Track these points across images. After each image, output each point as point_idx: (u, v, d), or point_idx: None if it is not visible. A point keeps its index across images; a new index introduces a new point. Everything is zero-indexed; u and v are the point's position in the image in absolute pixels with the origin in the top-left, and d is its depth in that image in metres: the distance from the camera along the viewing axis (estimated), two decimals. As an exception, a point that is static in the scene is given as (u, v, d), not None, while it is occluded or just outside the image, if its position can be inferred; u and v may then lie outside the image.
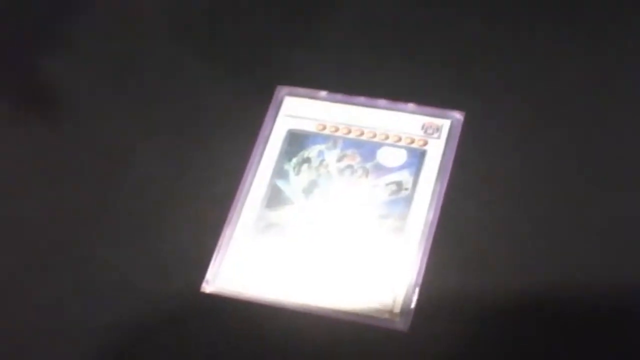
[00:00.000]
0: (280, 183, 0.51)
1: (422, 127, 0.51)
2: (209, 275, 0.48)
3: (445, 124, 0.51)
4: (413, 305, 0.45)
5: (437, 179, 0.49)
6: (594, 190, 0.48)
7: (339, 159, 0.51)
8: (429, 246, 0.47)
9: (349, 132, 0.52)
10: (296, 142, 0.52)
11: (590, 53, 0.53)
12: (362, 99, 0.53)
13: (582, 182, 0.49)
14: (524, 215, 0.48)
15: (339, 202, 0.49)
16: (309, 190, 0.50)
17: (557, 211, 0.48)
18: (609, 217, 0.47)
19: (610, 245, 0.46)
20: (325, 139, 0.52)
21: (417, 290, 0.46)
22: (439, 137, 0.51)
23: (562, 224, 0.47)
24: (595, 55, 0.53)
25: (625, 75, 0.52)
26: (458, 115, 0.51)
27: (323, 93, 0.54)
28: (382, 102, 0.52)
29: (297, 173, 0.51)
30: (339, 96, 0.53)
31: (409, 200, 0.49)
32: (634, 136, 0.50)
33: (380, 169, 0.50)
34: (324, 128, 0.52)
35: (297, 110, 0.53)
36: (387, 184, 0.50)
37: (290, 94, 0.54)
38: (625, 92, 0.52)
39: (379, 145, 0.51)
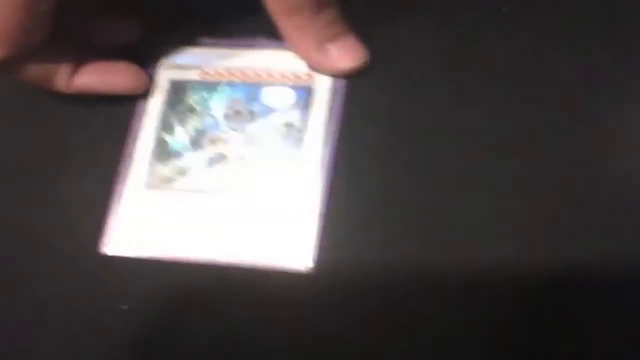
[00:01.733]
0: (166, 136, 0.49)
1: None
2: (105, 236, 0.47)
3: (330, 58, 0.50)
4: (313, 246, 0.45)
5: (328, 116, 0.49)
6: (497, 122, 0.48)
7: (224, 105, 0.50)
8: (325, 186, 0.47)
9: (232, 75, 0.50)
10: (179, 92, 0.50)
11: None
12: (243, 40, 0.51)
13: (478, 115, 0.49)
14: (422, 151, 0.48)
15: (227, 149, 0.48)
16: (196, 140, 0.49)
17: (453, 148, 0.48)
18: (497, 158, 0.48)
19: (504, 191, 0.47)
20: (208, 85, 0.50)
21: (316, 231, 0.46)
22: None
23: (460, 158, 0.47)
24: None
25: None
26: (341, 48, 0.50)
27: (203, 39, 0.52)
28: (263, 41, 0.51)
29: (183, 124, 0.49)
30: (219, 40, 0.52)
31: (300, 140, 0.48)
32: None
33: (268, 111, 0.49)
34: (207, 74, 0.51)
35: (178, 60, 0.51)
36: (276, 126, 0.49)
37: (170, 44, 0.52)
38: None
39: (264, 86, 0.50)
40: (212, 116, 0.49)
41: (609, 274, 0.44)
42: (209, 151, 0.48)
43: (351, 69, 0.49)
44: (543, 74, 0.49)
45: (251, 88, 0.50)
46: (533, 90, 0.48)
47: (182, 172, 0.48)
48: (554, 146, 0.47)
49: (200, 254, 0.46)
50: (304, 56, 0.49)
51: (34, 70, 0.46)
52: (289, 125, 0.49)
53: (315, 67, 0.49)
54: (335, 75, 0.49)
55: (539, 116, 0.48)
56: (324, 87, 0.49)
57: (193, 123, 0.49)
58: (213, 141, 0.49)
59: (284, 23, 0.47)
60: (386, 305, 0.44)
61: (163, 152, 0.49)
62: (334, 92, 0.49)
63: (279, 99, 0.49)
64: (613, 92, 0.48)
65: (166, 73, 0.51)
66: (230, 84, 0.50)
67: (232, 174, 0.48)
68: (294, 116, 0.49)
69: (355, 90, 0.49)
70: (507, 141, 0.47)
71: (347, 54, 0.48)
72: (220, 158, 0.48)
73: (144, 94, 0.50)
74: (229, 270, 0.45)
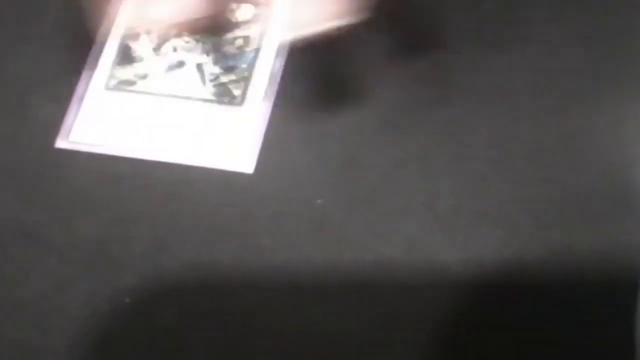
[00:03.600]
0: (130, 42, 0.52)
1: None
2: (62, 131, 0.49)
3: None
4: (257, 149, 0.48)
5: (283, 30, 0.51)
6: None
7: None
8: (273, 97, 0.49)
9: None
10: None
11: None
12: None
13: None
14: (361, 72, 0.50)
15: (187, 57, 0.51)
16: (158, 47, 0.51)
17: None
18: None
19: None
20: (174, -2, 0.53)
21: (261, 135, 0.48)
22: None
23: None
24: None
25: None
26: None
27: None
28: None
29: (148, 32, 0.52)
30: None
31: (255, 52, 0.51)
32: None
33: (229, 24, 0.52)
34: (174, -12, 0.53)
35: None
36: (234, 37, 0.51)
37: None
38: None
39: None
40: (177, 26, 0.52)
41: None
42: (168, 58, 0.51)
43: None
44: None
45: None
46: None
47: (142, 76, 0.50)
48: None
49: (151, 154, 0.48)
50: None
51: None
52: (246, 39, 0.51)
53: None
54: None
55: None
56: (281, 2, 0.52)
57: (158, 32, 0.52)
58: (174, 49, 0.51)
59: None
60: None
61: (125, 57, 0.51)
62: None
63: (241, 13, 0.52)
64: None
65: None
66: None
67: (188, 80, 0.50)
68: (253, 30, 0.51)
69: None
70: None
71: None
72: (180, 65, 0.51)
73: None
74: (177, 168, 0.48)
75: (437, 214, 0.45)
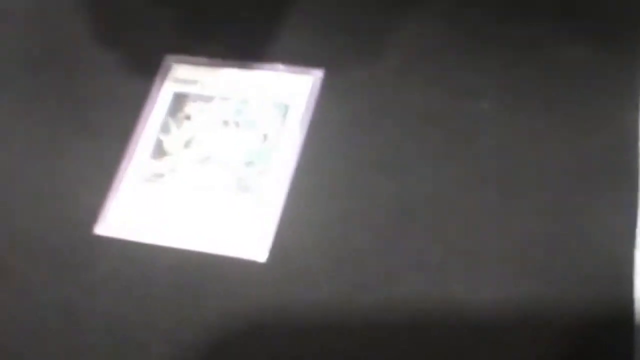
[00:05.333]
0: (163, 137, 0.58)
1: (288, 84, 0.58)
2: (100, 218, 0.55)
3: (307, 80, 0.58)
4: (272, 240, 0.53)
5: (298, 130, 0.56)
6: (452, 149, 0.55)
7: (215, 115, 0.58)
8: (287, 190, 0.54)
9: (224, 91, 0.59)
10: (180, 102, 0.59)
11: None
12: (236, 62, 0.60)
13: (441, 141, 0.55)
14: (379, 167, 0.55)
15: (213, 153, 0.56)
16: (188, 142, 0.57)
17: (412, 166, 0.55)
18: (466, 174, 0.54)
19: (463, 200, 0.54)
20: (203, 98, 0.59)
21: (277, 226, 0.53)
22: (301, 93, 0.58)
23: (418, 178, 0.54)
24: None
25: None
26: (319, 73, 0.58)
27: (204, 59, 0.61)
28: (253, 64, 0.59)
29: (179, 128, 0.58)
30: (217, 61, 0.60)
31: (273, 149, 0.56)
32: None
33: (250, 122, 0.57)
34: (204, 89, 0.59)
35: (181, 75, 0.60)
36: (255, 135, 0.57)
37: (176, 62, 0.61)
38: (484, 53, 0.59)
39: (249, 101, 0.58)
40: (204, 124, 0.58)
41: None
42: (197, 153, 0.57)
43: None
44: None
45: (239, 103, 0.58)
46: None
47: (172, 169, 0.56)
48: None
49: (175, 241, 0.54)
50: None
51: None
52: (265, 136, 0.56)
53: None
54: None
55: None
56: (298, 106, 0.57)
57: (188, 128, 0.58)
58: (201, 145, 0.57)
59: None
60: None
61: (159, 150, 0.57)
62: (306, 109, 0.57)
63: (260, 113, 0.57)
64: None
65: (171, 86, 0.60)
66: (223, 99, 0.58)
67: (214, 174, 0.56)
68: (271, 128, 0.57)
69: (323, 110, 0.57)
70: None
71: None
72: (206, 159, 0.56)
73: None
74: (200, 257, 0.53)
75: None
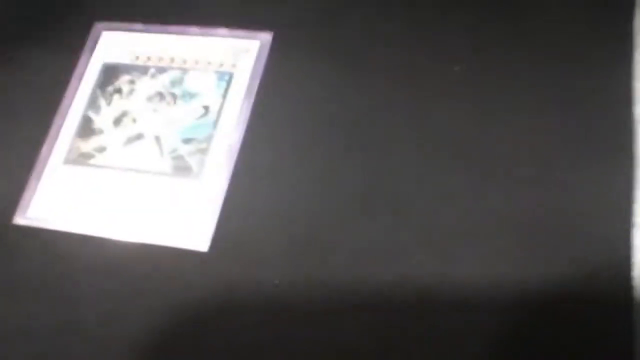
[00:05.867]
0: (91, 114, 0.51)
1: (232, 50, 0.51)
2: (20, 206, 0.49)
3: (253, 45, 0.51)
4: (214, 227, 0.46)
5: (243, 102, 0.50)
6: (419, 118, 0.49)
7: (149, 87, 0.51)
8: (231, 170, 0.48)
9: (161, 60, 0.52)
10: (110, 74, 0.52)
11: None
12: (175, 27, 0.53)
13: (408, 110, 0.49)
14: (328, 140, 0.48)
15: (146, 129, 0.50)
16: (119, 119, 0.50)
17: (376, 138, 0.48)
18: (436, 147, 0.48)
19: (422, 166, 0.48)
20: (136, 68, 0.52)
21: (219, 212, 0.47)
22: (247, 59, 0.51)
23: (382, 152, 0.48)
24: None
25: None
26: (267, 36, 0.51)
27: (138, 25, 0.54)
28: (193, 29, 0.52)
29: (109, 103, 0.51)
30: (153, 27, 0.53)
31: (214, 122, 0.49)
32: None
33: (189, 94, 0.51)
34: (137, 58, 0.52)
35: (113, 44, 0.53)
36: (195, 108, 0.50)
37: (106, 29, 0.54)
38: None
39: (188, 70, 0.51)
40: (137, 97, 0.51)
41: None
42: (130, 130, 0.50)
43: None
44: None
45: (177, 72, 0.51)
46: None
47: (101, 149, 0.50)
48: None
49: (106, 231, 0.47)
50: None
51: None
52: (205, 108, 0.50)
53: None
54: None
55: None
56: (244, 73, 0.50)
57: (118, 103, 0.51)
58: (134, 121, 0.50)
59: None
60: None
61: (86, 128, 0.50)
62: (252, 78, 0.50)
63: (200, 83, 0.51)
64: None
65: (100, 56, 0.53)
66: (158, 68, 0.52)
67: (146, 153, 0.49)
68: (212, 100, 0.50)
69: (272, 78, 0.50)
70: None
71: None
72: (139, 137, 0.50)
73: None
74: (133, 246, 0.47)
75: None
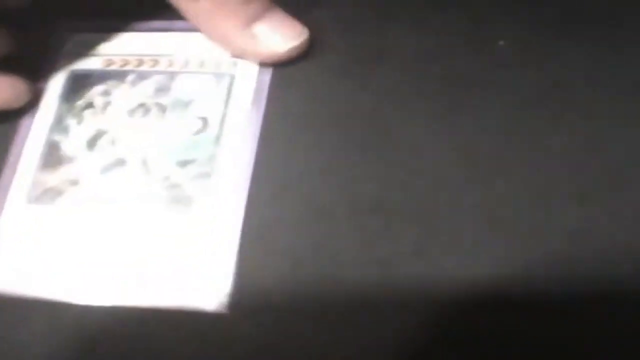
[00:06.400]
0: (58, 137, 0.40)
1: (231, 47, 0.41)
2: (-26, 264, 0.38)
3: (258, 38, 0.41)
4: (231, 277, 0.35)
5: (251, 110, 0.39)
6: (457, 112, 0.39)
7: (129, 98, 0.40)
8: (244, 200, 0.37)
9: (141, 63, 0.41)
10: (79, 85, 0.41)
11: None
12: (156, 23, 0.42)
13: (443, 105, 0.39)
14: (357, 152, 0.38)
15: (130, 152, 0.39)
16: (93, 141, 0.39)
17: (386, 148, 0.38)
18: (435, 161, 0.38)
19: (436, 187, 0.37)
20: (111, 75, 0.41)
21: (235, 256, 0.36)
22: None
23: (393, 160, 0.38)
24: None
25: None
26: (273, 26, 0.41)
27: (111, 23, 0.43)
28: (179, 23, 0.41)
29: (79, 122, 0.40)
30: (129, 24, 0.42)
31: (217, 138, 0.39)
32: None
33: (180, 104, 0.40)
34: (111, 63, 0.42)
35: (81, 48, 0.42)
36: (190, 121, 0.39)
37: (73, 30, 0.43)
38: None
39: (177, 74, 0.40)
40: (114, 112, 0.40)
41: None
42: (108, 155, 0.39)
43: (289, 51, 0.39)
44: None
45: (162, 77, 0.40)
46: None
47: (73, 182, 0.39)
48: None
49: (88, 295, 0.36)
50: (225, 42, 0.39)
51: None
52: (204, 120, 0.39)
53: (241, 55, 0.40)
54: (268, 63, 0.40)
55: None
56: (248, 75, 0.40)
57: (92, 121, 0.40)
58: (113, 142, 0.39)
59: (194, 2, 0.37)
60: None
61: (52, 156, 0.39)
62: (260, 81, 0.40)
63: (194, 89, 0.40)
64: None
65: (64, 62, 0.42)
66: (138, 73, 0.41)
67: (133, 183, 0.38)
68: (211, 109, 0.39)
69: (285, 78, 0.40)
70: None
71: (282, 33, 0.39)
72: (120, 162, 0.39)
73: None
74: (129, 312, 0.36)
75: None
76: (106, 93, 0.40)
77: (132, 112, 0.40)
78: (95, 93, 0.41)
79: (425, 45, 0.40)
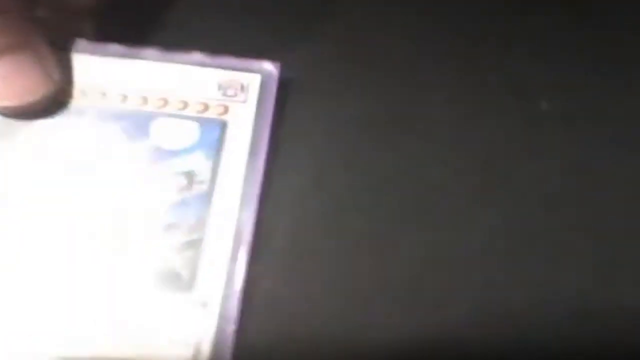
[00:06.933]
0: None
1: (219, 87, 0.34)
2: None
3: (252, 80, 0.34)
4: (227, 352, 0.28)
5: (248, 162, 0.32)
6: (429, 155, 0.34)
7: (88, 143, 0.32)
8: (243, 267, 0.30)
9: (105, 98, 0.33)
10: (12, 123, 0.32)
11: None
12: (123, 49, 0.34)
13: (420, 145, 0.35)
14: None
15: (75, 220, 0.30)
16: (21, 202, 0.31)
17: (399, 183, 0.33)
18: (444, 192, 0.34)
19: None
20: (63, 113, 0.32)
21: (230, 331, 0.29)
22: (245, 101, 0.34)
23: (407, 196, 0.33)
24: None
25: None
26: (270, 67, 0.35)
27: (68, 42, 0.34)
28: (152, 52, 0.34)
29: (7, 175, 0.31)
30: (92, 47, 0.34)
31: (206, 198, 0.31)
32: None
33: (160, 154, 0.32)
34: (67, 96, 0.33)
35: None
36: (172, 177, 0.32)
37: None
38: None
39: (154, 116, 0.33)
40: (69, 159, 0.32)
41: None
42: (56, 215, 0.30)
43: (14, 107, 0.31)
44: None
45: (135, 118, 0.33)
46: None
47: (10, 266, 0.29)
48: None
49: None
50: None
51: None
52: (189, 176, 0.32)
53: None
54: None
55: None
56: (242, 120, 0.33)
57: (33, 169, 0.31)
58: (53, 201, 0.31)
59: None
60: None
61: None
62: (256, 125, 0.33)
63: (177, 136, 0.32)
64: None
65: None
66: (102, 112, 0.33)
67: (102, 257, 0.30)
68: (199, 162, 0.32)
69: (285, 123, 0.34)
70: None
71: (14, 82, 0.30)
72: (74, 226, 0.30)
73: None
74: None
75: None
76: (52, 135, 0.32)
77: (93, 162, 0.31)
78: (34, 135, 0.32)
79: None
